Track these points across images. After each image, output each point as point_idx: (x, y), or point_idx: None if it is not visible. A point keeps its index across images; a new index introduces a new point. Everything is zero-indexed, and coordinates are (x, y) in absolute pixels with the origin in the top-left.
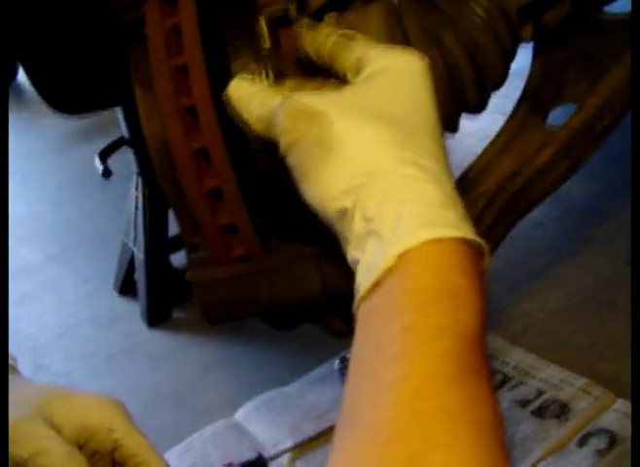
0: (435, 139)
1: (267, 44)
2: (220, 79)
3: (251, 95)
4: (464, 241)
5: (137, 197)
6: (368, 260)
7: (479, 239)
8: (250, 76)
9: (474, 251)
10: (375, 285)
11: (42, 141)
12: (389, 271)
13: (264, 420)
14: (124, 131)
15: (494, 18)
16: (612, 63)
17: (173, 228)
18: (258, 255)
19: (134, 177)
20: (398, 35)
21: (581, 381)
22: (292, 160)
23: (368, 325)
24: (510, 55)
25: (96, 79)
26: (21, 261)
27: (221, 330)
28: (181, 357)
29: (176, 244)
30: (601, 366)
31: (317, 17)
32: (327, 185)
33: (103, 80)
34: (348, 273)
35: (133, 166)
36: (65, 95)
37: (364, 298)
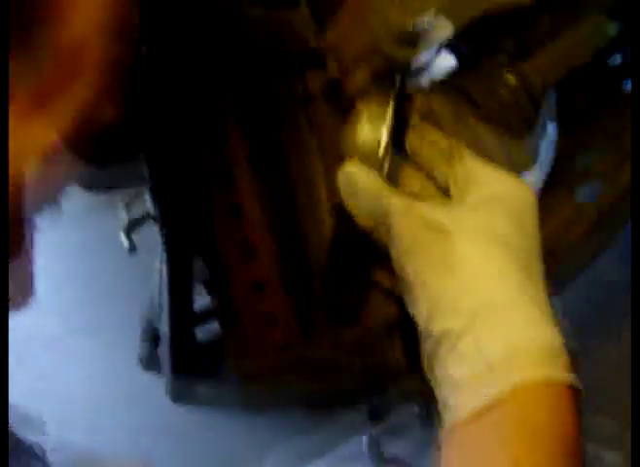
0: (542, 269)
1: (386, 141)
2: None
3: (364, 187)
4: (574, 386)
5: (162, 270)
6: (471, 383)
7: (579, 385)
8: (363, 165)
9: (578, 394)
10: (483, 412)
11: (63, 212)
12: (501, 402)
13: None
14: (150, 207)
15: (520, 98)
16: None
17: (198, 301)
18: (298, 344)
19: (158, 251)
20: (428, 118)
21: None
22: (405, 267)
23: (471, 449)
24: (535, 130)
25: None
26: (45, 335)
27: (247, 407)
28: (206, 433)
29: (201, 318)
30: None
31: (349, 103)
32: (440, 302)
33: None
34: (389, 365)
35: (156, 240)
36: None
37: (468, 421)
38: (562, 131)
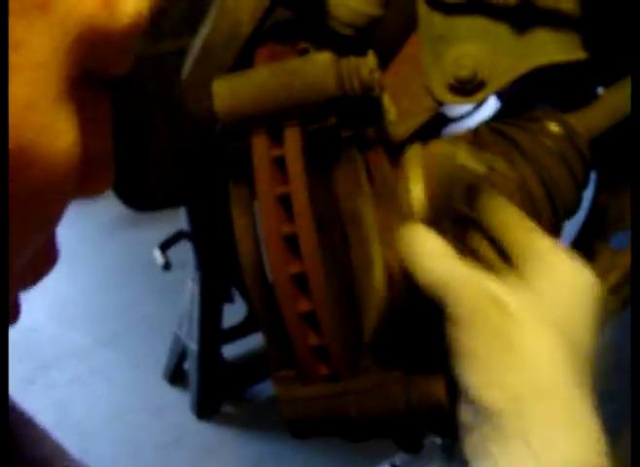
0: (592, 359)
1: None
2: (324, 207)
3: (428, 247)
4: None
5: (193, 289)
6: (510, 463)
7: None
8: (426, 225)
9: None
10: None
11: (94, 223)
12: None
13: None
14: (185, 225)
15: (565, 148)
16: None
17: (226, 320)
18: (346, 376)
19: (190, 268)
20: (482, 166)
21: None
22: (459, 333)
23: None
24: (581, 183)
25: (172, 182)
26: (72, 345)
27: (270, 426)
28: (230, 452)
29: (229, 336)
30: None
31: (399, 148)
32: (491, 379)
33: (177, 183)
34: (431, 397)
35: (189, 257)
36: (138, 194)
37: None
38: (598, 181)
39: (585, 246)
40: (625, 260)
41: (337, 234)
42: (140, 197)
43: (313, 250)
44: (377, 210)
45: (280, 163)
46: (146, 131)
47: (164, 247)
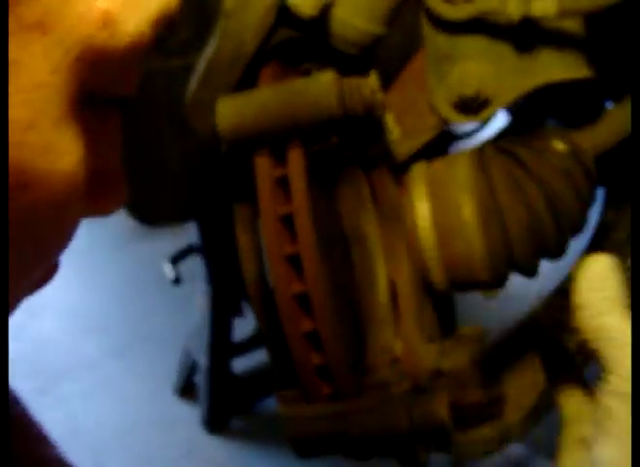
0: None
1: None
2: (327, 226)
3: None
4: None
5: (203, 303)
6: None
7: None
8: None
9: None
10: None
11: (107, 235)
12: None
13: None
14: (196, 239)
15: (570, 166)
16: None
17: (236, 334)
18: (349, 395)
19: (199, 283)
20: (485, 185)
21: None
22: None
23: None
24: (587, 201)
25: (182, 197)
26: (83, 356)
27: (279, 441)
28: (237, 465)
29: (239, 350)
30: None
31: (404, 166)
32: None
33: (187, 198)
34: (434, 416)
35: (197, 271)
36: (148, 208)
37: None
38: (607, 198)
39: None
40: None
41: (341, 253)
42: (150, 212)
43: (316, 270)
44: (382, 228)
45: (283, 183)
46: (156, 147)
47: (175, 261)
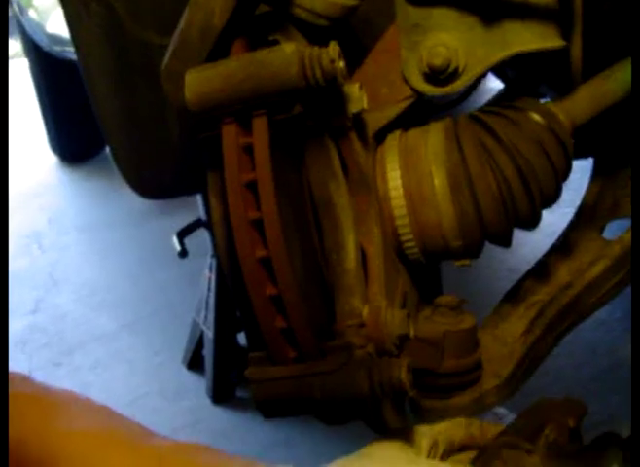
0: None
1: None
2: (296, 194)
3: None
4: None
5: (210, 278)
6: None
7: None
8: None
9: None
10: None
11: (123, 210)
12: None
13: None
14: (202, 214)
15: (545, 138)
16: None
17: None
18: (312, 358)
19: (208, 258)
20: (456, 154)
21: None
22: None
23: None
24: (561, 172)
25: (183, 171)
26: (96, 329)
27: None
28: (242, 435)
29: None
30: None
31: (380, 136)
32: None
33: (187, 172)
34: (394, 380)
35: (209, 246)
36: (150, 183)
37: None
38: (595, 169)
39: (578, 234)
40: (613, 250)
41: (310, 220)
42: (151, 186)
43: (278, 235)
44: (352, 197)
45: (248, 151)
46: (158, 121)
47: (182, 235)
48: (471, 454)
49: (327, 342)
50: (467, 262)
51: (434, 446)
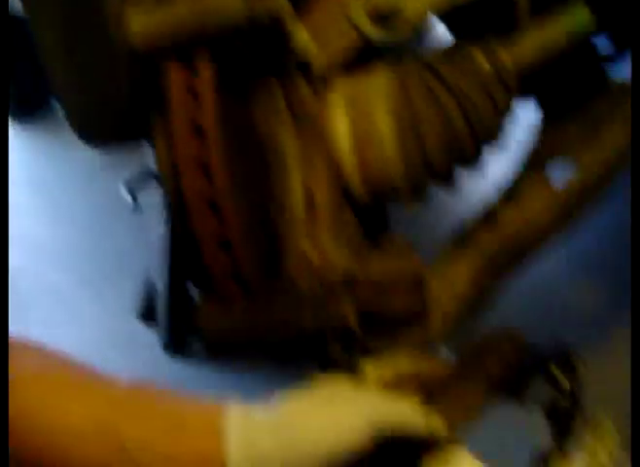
0: None
1: None
2: (241, 133)
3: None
4: None
5: (162, 228)
6: None
7: None
8: None
9: None
10: None
11: (75, 166)
12: None
13: None
14: (152, 165)
15: (490, 82)
16: (611, 125)
17: None
18: (260, 297)
19: (159, 209)
20: (401, 96)
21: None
22: None
23: None
24: (504, 113)
25: (126, 115)
26: (48, 283)
27: (238, 362)
28: (196, 385)
29: None
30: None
31: (327, 79)
32: None
33: (132, 116)
34: (339, 316)
35: (159, 197)
36: (94, 128)
37: None
38: (539, 114)
39: (523, 180)
40: (559, 195)
41: (257, 160)
42: (99, 134)
43: (224, 174)
44: (298, 138)
45: (193, 90)
46: (104, 67)
47: (131, 186)
48: (416, 388)
49: (275, 283)
50: (415, 204)
51: (381, 379)
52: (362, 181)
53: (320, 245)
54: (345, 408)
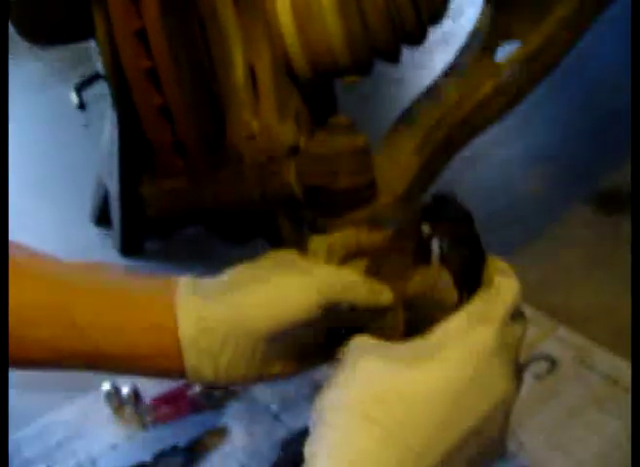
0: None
1: None
2: (181, 7)
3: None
4: None
5: (112, 130)
6: None
7: None
8: None
9: None
10: None
11: (21, 78)
12: None
13: None
14: (99, 66)
15: None
16: (555, 3)
17: None
18: (203, 169)
19: (109, 110)
20: None
21: (527, 311)
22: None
23: None
24: None
25: (68, 10)
26: None
27: (192, 260)
28: None
29: None
30: (548, 297)
31: None
32: None
33: (75, 11)
34: (283, 183)
35: (109, 101)
36: (37, 25)
37: None
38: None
39: (469, 57)
40: (503, 71)
41: (196, 32)
42: (42, 31)
43: (162, 44)
44: (239, 12)
45: None
46: None
47: (79, 88)
48: (365, 261)
49: (218, 154)
50: (357, 78)
51: (330, 253)
52: (305, 58)
53: (263, 117)
54: (293, 273)
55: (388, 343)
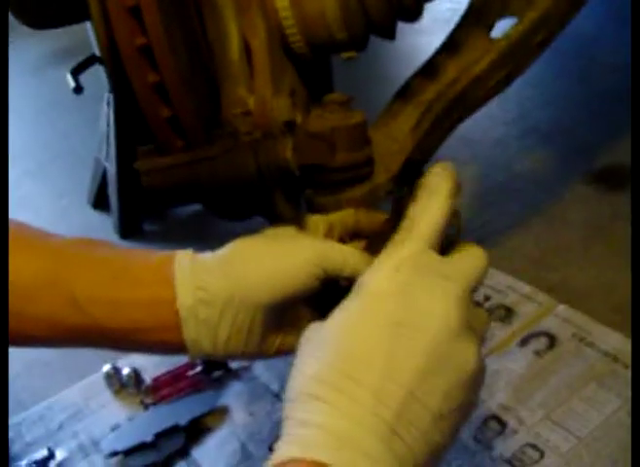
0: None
1: None
2: None
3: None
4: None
5: (109, 112)
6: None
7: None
8: None
9: None
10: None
11: (18, 62)
12: None
13: None
14: (96, 49)
15: None
16: None
17: None
18: (199, 145)
19: (106, 93)
20: None
21: (526, 289)
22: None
23: None
24: None
25: None
26: None
27: (190, 241)
28: None
29: None
30: (547, 275)
31: None
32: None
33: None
34: (279, 159)
35: (106, 84)
36: (33, 7)
37: None
38: None
39: (465, 32)
40: (499, 45)
41: (191, 9)
42: (33, 11)
43: (157, 21)
44: None
45: None
46: None
47: (76, 72)
48: (363, 243)
49: (215, 130)
50: (353, 54)
51: (329, 231)
52: (300, 33)
53: (258, 93)
54: (292, 245)
55: None
